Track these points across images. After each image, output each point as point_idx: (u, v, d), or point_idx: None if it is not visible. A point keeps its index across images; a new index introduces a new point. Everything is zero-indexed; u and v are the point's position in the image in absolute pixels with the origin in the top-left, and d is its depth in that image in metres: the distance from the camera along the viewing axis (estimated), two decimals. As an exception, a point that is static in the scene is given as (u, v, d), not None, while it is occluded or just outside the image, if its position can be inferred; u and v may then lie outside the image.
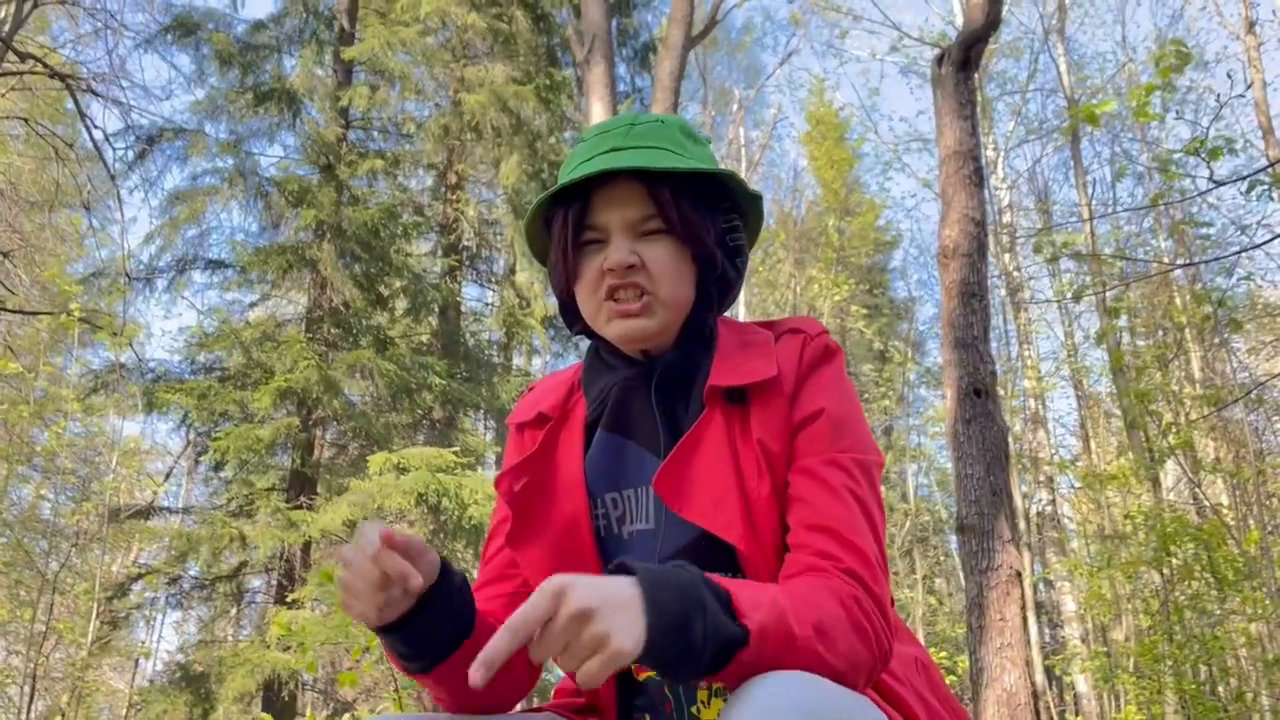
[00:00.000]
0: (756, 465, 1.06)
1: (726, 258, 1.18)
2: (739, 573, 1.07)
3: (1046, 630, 14.55)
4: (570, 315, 1.21)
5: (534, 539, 1.13)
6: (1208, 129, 4.82)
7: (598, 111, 7.08)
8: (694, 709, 1.10)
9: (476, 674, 0.77)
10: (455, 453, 8.70)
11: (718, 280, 1.17)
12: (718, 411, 1.10)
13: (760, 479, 1.06)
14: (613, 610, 0.80)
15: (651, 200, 1.11)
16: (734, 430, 1.09)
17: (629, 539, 1.13)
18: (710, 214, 1.15)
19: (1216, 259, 9.65)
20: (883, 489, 1.14)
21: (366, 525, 0.93)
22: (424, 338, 11.11)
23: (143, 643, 14.81)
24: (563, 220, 1.13)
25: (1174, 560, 7.70)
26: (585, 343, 1.26)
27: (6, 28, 9.91)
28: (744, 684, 0.84)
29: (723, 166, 1.16)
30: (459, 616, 1.02)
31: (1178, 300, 12.55)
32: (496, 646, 0.78)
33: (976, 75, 5.97)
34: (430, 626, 0.99)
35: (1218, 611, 7.97)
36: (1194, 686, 7.66)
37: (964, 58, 5.51)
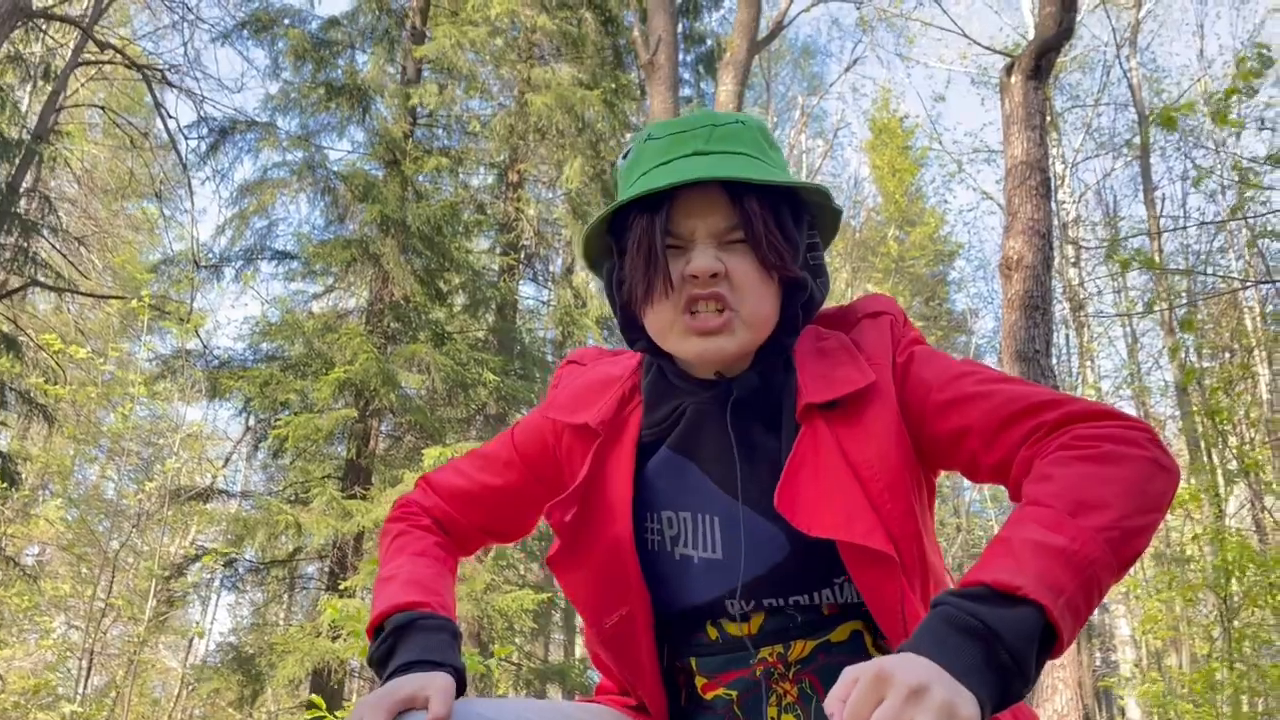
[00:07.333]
0: (871, 467, 1.01)
1: (811, 277, 1.10)
2: (831, 587, 1.05)
3: (1098, 654, 14.28)
4: (632, 327, 1.12)
5: (579, 563, 1.10)
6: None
7: (660, 115, 7.11)
8: None
9: None
10: (508, 449, 8.74)
11: (804, 304, 1.09)
12: (818, 423, 1.04)
13: (879, 480, 1.01)
14: (938, 677, 0.73)
15: (738, 211, 1.03)
16: (840, 437, 1.03)
17: (679, 561, 1.09)
18: (797, 231, 1.07)
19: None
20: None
21: None
22: (480, 334, 11.20)
23: (197, 623, 15.13)
24: (646, 224, 1.04)
25: (1235, 586, 7.51)
26: None
27: (87, 18, 10.20)
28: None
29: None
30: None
31: (1248, 321, 12.24)
32: None
33: (1047, 86, 5.89)
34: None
35: (1278, 642, 7.75)
36: (1251, 717, 7.47)
37: (1035, 66, 5.44)
